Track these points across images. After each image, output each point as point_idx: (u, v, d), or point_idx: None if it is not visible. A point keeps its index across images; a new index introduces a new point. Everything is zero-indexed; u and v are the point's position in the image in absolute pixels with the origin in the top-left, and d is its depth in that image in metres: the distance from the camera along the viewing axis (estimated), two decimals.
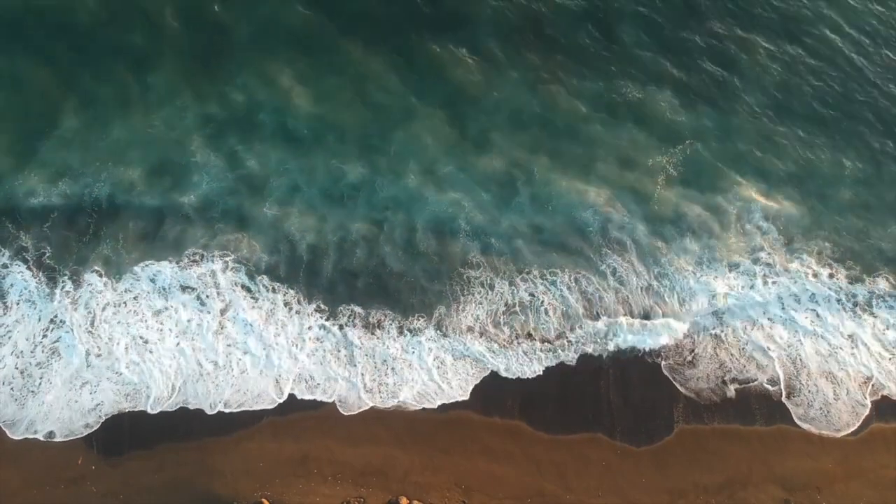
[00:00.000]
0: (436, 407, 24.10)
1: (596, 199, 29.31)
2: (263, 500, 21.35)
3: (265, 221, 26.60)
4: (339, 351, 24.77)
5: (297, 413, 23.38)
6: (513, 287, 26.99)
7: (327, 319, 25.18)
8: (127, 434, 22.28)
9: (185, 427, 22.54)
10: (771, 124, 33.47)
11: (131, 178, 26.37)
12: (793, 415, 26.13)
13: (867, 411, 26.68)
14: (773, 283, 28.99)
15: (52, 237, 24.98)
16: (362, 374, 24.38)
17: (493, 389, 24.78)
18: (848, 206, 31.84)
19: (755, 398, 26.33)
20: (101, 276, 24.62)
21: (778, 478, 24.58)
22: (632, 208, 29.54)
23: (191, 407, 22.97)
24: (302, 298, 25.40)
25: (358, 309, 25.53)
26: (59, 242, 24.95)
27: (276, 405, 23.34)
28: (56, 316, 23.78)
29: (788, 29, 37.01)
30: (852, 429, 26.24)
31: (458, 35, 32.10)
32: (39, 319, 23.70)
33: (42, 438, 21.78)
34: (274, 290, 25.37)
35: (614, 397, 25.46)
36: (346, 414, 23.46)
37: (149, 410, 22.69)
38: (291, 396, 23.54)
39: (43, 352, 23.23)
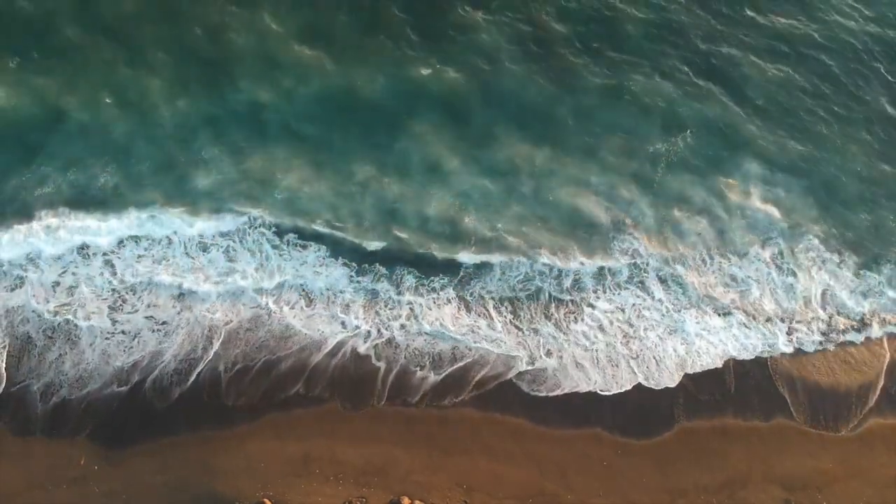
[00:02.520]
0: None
1: (598, 186, 29.41)
2: (265, 500, 21.43)
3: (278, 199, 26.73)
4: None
5: (298, 410, 23.36)
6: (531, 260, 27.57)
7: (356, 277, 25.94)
8: (129, 433, 22.27)
9: (186, 425, 22.51)
10: (774, 114, 33.38)
11: (138, 170, 26.04)
12: None
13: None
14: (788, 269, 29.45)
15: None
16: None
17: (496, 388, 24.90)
18: (854, 195, 32.02)
19: (754, 392, 26.44)
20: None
21: (778, 477, 24.73)
22: (636, 194, 29.62)
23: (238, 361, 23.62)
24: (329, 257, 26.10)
25: (383, 269, 26.14)
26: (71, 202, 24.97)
27: (321, 355, 24.15)
28: (67, 270, 23.83)
29: (793, 19, 36.70)
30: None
31: (461, 31, 31.67)
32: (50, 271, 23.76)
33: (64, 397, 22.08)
34: (303, 248, 25.85)
35: (613, 395, 25.50)
36: (351, 411, 23.65)
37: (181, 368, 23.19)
38: (295, 393, 23.56)
39: (64, 297, 23.43)
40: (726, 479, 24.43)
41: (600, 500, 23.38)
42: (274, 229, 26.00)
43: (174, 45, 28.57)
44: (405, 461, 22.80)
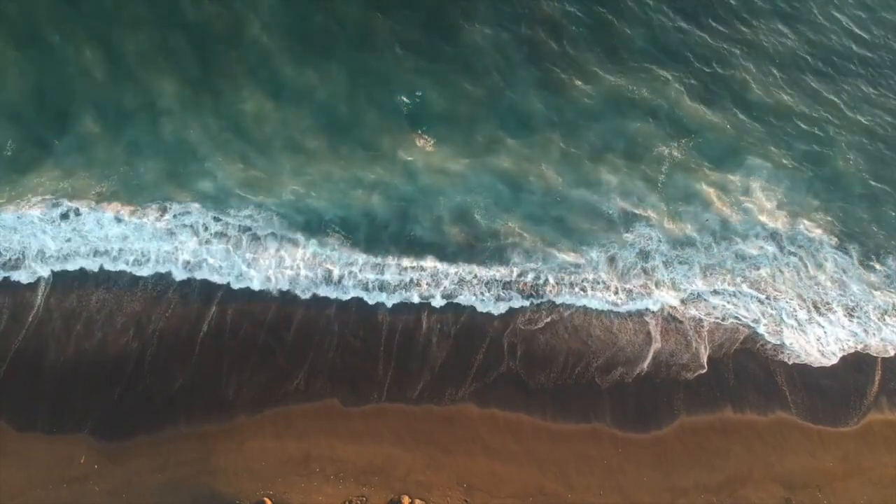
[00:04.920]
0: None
1: (607, 183, 29.53)
2: (266, 500, 21.45)
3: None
4: None
5: (298, 407, 23.26)
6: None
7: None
8: (128, 432, 22.19)
9: (187, 423, 22.43)
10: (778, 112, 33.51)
11: (142, 176, 25.76)
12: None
13: None
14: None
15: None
16: None
17: (495, 381, 24.85)
18: (857, 191, 32.34)
19: (753, 386, 26.49)
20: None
21: (778, 476, 24.79)
22: (643, 193, 29.79)
23: None
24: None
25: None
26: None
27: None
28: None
29: (793, 15, 36.74)
30: None
31: (468, 34, 31.27)
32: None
33: None
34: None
35: (613, 389, 25.48)
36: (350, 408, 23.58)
37: None
38: (295, 388, 23.46)
39: None
40: (727, 477, 24.48)
41: (600, 498, 23.42)
42: None
43: None
44: (405, 460, 22.79)
